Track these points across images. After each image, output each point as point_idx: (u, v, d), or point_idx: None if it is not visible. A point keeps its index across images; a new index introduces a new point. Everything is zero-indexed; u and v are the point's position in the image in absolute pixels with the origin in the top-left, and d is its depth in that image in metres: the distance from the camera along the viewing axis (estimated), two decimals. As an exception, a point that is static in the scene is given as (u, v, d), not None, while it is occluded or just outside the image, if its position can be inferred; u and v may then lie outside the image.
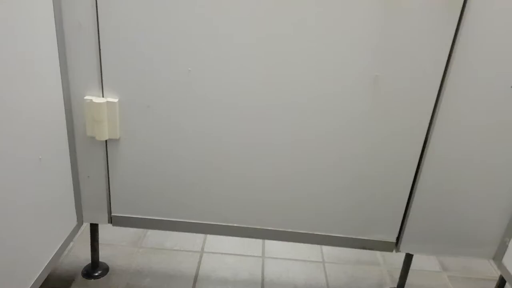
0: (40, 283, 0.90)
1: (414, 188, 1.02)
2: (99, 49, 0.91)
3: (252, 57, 0.90)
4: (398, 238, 1.09)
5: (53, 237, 0.95)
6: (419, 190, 1.02)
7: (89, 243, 1.20)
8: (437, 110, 0.93)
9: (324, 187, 1.03)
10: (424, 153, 0.98)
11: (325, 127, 0.96)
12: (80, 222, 1.07)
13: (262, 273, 1.29)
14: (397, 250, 1.10)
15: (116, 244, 1.36)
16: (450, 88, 0.91)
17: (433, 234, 1.07)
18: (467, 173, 1.00)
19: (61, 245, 0.98)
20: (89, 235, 1.19)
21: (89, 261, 1.24)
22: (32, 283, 0.86)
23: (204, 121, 0.97)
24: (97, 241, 1.21)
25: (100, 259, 1.26)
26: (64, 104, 0.93)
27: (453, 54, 0.88)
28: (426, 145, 0.97)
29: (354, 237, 1.09)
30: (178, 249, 1.36)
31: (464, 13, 0.85)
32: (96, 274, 1.21)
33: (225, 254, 1.36)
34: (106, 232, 1.38)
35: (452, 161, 0.98)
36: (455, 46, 0.87)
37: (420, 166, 1.00)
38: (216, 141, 0.99)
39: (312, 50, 0.89)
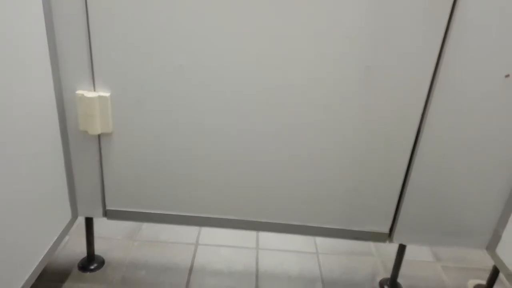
0: (36, 276, 0.91)
1: (407, 178, 1.03)
2: (90, 43, 0.90)
3: (244, 50, 0.90)
4: (391, 229, 1.10)
5: (48, 231, 0.96)
6: (412, 180, 1.02)
7: (85, 237, 1.21)
8: (429, 100, 0.94)
9: (316, 179, 1.03)
10: (417, 143, 0.99)
11: (316, 118, 0.97)
12: (75, 216, 1.08)
13: (257, 265, 1.30)
14: (390, 241, 1.11)
15: (111, 237, 1.36)
16: (442, 77, 0.91)
17: (426, 224, 1.08)
18: (460, 163, 1.00)
19: (57, 239, 0.99)
20: (85, 229, 1.20)
21: (85, 254, 1.25)
22: (28, 276, 0.87)
23: (196, 114, 0.97)
24: (92, 234, 1.21)
25: (96, 253, 1.27)
26: (56, 98, 0.93)
27: (446, 44, 0.88)
28: (419, 135, 0.98)
29: (347, 228, 1.10)
30: (173, 241, 1.37)
31: (457, 2, 0.84)
32: (92, 267, 1.22)
33: (220, 246, 1.37)
34: (101, 225, 1.39)
35: (445, 151, 0.99)
36: (448, 36, 0.87)
37: (413, 157, 1.00)
38: (208, 134, 0.99)
39: (302, 42, 0.89)
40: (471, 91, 0.92)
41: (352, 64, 0.91)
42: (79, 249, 1.28)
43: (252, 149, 1.00)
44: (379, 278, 1.28)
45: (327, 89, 0.93)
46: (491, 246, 1.09)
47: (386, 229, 1.10)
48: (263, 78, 0.93)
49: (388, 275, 1.28)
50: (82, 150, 1.01)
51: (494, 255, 1.08)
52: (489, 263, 1.39)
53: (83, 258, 1.25)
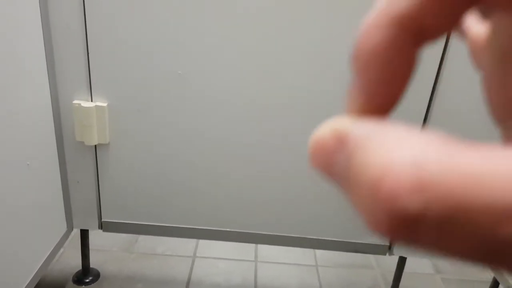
0: (29, 292, 0.88)
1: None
2: (87, 52, 0.89)
3: (243, 55, 0.89)
4: (391, 241, 1.09)
5: (43, 243, 0.94)
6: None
7: (80, 249, 1.19)
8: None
9: (316, 190, 1.02)
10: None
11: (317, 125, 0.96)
12: (70, 228, 1.05)
13: (255, 278, 1.28)
14: (390, 253, 1.10)
15: (107, 249, 1.34)
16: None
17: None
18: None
19: (51, 251, 0.97)
20: (80, 241, 1.17)
21: (80, 267, 1.22)
22: (22, 290, 0.85)
23: (195, 124, 0.96)
24: (88, 247, 1.19)
25: (91, 265, 1.24)
26: (52, 108, 0.91)
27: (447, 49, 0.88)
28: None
29: (347, 240, 1.08)
30: (170, 254, 1.35)
31: None
32: (87, 280, 1.20)
33: (218, 258, 1.35)
34: (97, 237, 1.36)
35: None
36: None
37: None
38: (208, 145, 0.98)
39: (301, 43, 0.89)
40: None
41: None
42: (74, 262, 1.25)
43: (253, 160, 0.99)
44: (379, 291, 1.27)
45: (330, 94, 0.93)
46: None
47: (386, 241, 1.08)
48: (265, 84, 0.92)
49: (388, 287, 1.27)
50: (78, 161, 0.99)
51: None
52: (489, 275, 1.38)
53: (78, 271, 1.22)
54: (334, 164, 0.11)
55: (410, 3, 0.11)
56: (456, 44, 0.86)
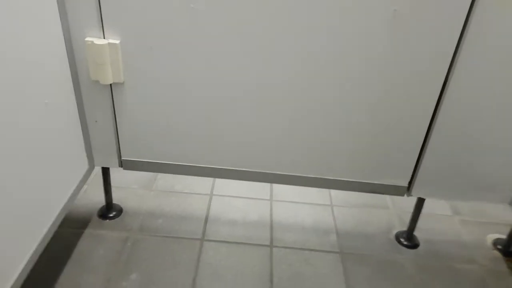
0: (58, 224, 0.93)
1: (430, 132, 0.98)
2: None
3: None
4: (410, 182, 1.07)
5: (67, 180, 0.97)
6: (435, 133, 0.98)
7: (102, 186, 1.23)
8: (459, 49, 0.86)
9: (335, 131, 1.00)
10: (442, 96, 0.93)
11: (338, 67, 0.91)
12: (91, 166, 1.09)
13: (271, 216, 1.31)
14: (409, 195, 1.09)
15: (128, 187, 1.39)
16: (475, 24, 0.83)
17: (447, 178, 1.04)
18: (484, 117, 0.95)
19: (75, 188, 1.01)
20: (102, 179, 1.21)
21: (103, 203, 1.28)
22: (50, 224, 0.90)
23: (210, 61, 0.92)
24: (109, 184, 1.23)
25: (114, 201, 1.29)
26: (66, 46, 0.90)
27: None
28: (445, 87, 0.92)
29: (364, 181, 1.07)
30: (188, 192, 1.39)
31: None
32: (111, 215, 1.26)
33: (234, 197, 1.38)
34: (118, 176, 1.41)
35: (470, 105, 0.93)
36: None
37: (438, 109, 0.95)
38: (222, 83, 0.95)
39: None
40: (505, 41, 0.84)
41: (378, 7, 0.83)
42: (98, 198, 1.31)
43: (269, 100, 0.96)
44: (395, 231, 1.28)
45: (349, 35, 0.87)
46: (515, 201, 1.06)
47: (405, 183, 1.07)
48: (282, 25, 0.87)
49: (404, 228, 1.28)
50: (95, 99, 0.99)
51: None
52: (509, 218, 1.37)
53: (102, 207, 1.28)
54: None
55: None
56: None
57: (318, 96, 0.95)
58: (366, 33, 0.86)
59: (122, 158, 1.09)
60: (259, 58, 0.91)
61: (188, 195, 1.38)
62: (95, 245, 1.15)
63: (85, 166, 1.06)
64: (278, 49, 0.90)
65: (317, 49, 0.89)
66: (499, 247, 1.24)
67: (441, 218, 1.36)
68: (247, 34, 0.88)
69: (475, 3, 0.81)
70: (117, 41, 0.91)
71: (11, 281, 0.77)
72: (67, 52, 0.90)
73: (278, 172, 1.08)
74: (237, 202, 1.36)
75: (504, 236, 1.26)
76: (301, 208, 1.36)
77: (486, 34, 0.84)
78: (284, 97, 0.96)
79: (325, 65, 0.91)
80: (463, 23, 0.84)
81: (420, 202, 1.17)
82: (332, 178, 1.07)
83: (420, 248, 1.22)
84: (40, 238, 0.86)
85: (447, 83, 0.91)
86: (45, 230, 0.88)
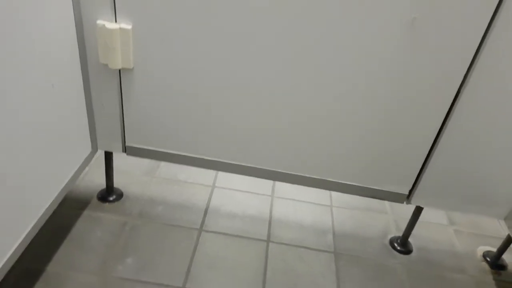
0: (58, 202, 0.94)
1: (436, 143, 0.98)
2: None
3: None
4: (410, 191, 1.08)
5: (69, 161, 0.97)
6: (441, 145, 0.98)
7: (104, 169, 1.23)
8: (476, 60, 0.86)
9: (341, 134, 1.00)
10: (453, 108, 0.93)
11: (351, 70, 0.90)
12: (94, 149, 1.08)
13: (270, 212, 1.32)
14: (408, 202, 1.10)
15: (130, 172, 1.39)
16: (495, 34, 0.82)
17: (447, 190, 1.05)
18: (490, 134, 0.95)
19: (77, 169, 1.01)
20: (104, 162, 1.21)
21: (104, 186, 1.28)
22: (50, 203, 0.90)
23: (221, 52, 0.91)
24: (112, 168, 1.23)
25: (115, 186, 1.30)
26: (76, 28, 0.88)
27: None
28: (457, 99, 0.91)
29: (366, 186, 1.08)
30: (191, 182, 1.39)
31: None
32: (111, 198, 1.26)
33: (236, 190, 1.38)
34: (121, 161, 1.41)
35: (479, 120, 0.93)
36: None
37: (446, 122, 0.95)
38: (232, 76, 0.94)
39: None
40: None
41: (398, 15, 0.82)
42: (99, 181, 1.31)
43: (279, 97, 0.96)
44: (390, 236, 1.29)
45: (366, 41, 0.86)
46: (510, 217, 1.07)
47: (405, 191, 1.08)
48: (300, 23, 0.85)
49: (399, 233, 1.29)
50: (102, 83, 0.98)
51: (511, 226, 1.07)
52: (503, 233, 1.38)
53: (102, 189, 1.28)
54: None
55: None
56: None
57: (329, 99, 0.95)
58: (384, 40, 0.85)
59: (126, 144, 1.08)
60: (274, 54, 0.90)
61: (191, 184, 1.38)
62: (93, 227, 1.15)
63: (88, 148, 1.06)
64: (294, 50, 0.89)
65: (331, 55, 0.88)
66: (488, 259, 1.26)
67: (436, 227, 1.37)
68: (264, 25, 0.87)
69: (497, 15, 0.80)
70: (129, 26, 0.90)
71: (10, 252, 0.78)
72: (77, 34, 0.89)
73: (280, 170, 1.08)
74: (239, 196, 1.37)
75: (494, 249, 1.28)
76: (301, 206, 1.36)
77: (506, 47, 0.84)
78: (295, 96, 0.95)
79: (337, 71, 0.90)
80: (483, 32, 0.83)
81: (418, 211, 1.18)
82: (334, 180, 1.08)
83: (413, 254, 1.24)
84: (40, 214, 0.87)
85: (459, 95, 0.91)
86: (45, 206, 0.89)
